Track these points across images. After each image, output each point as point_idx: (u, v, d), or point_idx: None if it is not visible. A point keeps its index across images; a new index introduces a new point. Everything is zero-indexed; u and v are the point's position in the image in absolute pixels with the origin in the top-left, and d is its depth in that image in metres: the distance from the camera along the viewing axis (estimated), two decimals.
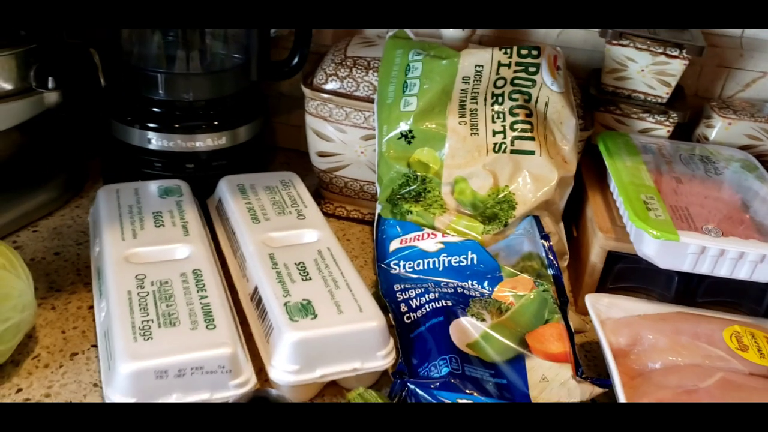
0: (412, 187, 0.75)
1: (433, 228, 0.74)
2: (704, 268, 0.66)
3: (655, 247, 0.66)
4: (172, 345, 0.54)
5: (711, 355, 0.62)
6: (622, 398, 0.57)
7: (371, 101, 0.79)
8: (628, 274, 0.75)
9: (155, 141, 0.78)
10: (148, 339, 0.54)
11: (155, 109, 0.79)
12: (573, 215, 0.83)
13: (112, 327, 0.55)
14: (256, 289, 0.63)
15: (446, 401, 0.58)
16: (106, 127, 0.81)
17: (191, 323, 0.56)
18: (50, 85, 0.74)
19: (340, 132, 0.82)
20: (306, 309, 0.59)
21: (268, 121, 0.93)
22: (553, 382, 0.61)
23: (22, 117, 0.74)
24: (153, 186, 0.73)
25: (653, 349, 0.63)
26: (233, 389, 0.55)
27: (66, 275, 0.72)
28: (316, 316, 0.59)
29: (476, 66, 0.74)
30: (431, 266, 0.71)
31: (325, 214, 0.88)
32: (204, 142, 0.79)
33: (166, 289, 0.59)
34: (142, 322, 0.55)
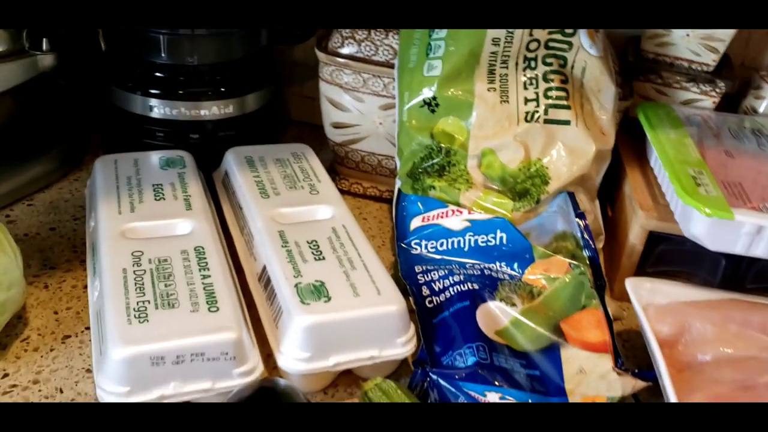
0: (435, 160, 0.69)
1: (458, 205, 0.68)
2: (759, 251, 0.59)
3: (704, 227, 0.59)
4: (170, 328, 0.48)
5: (766, 346, 0.56)
6: (670, 393, 0.51)
7: (391, 66, 0.73)
8: (670, 256, 0.69)
9: (158, 109, 0.72)
10: (143, 321, 0.48)
11: (158, 74, 0.73)
12: (607, 193, 0.77)
13: (105, 308, 0.50)
14: (264, 268, 0.57)
15: (472, 393, 0.52)
16: (107, 94, 0.75)
17: (192, 305, 0.50)
18: (45, 46, 0.69)
19: (357, 101, 0.76)
20: (319, 291, 0.53)
21: (279, 90, 0.87)
22: (591, 374, 0.55)
23: (14, 81, 0.68)
24: (154, 156, 0.68)
25: (702, 339, 0.57)
26: (237, 378, 0.49)
27: (61, 252, 0.66)
28: (329, 298, 0.53)
29: None
30: (456, 246, 0.65)
31: (340, 191, 0.82)
32: (210, 111, 0.73)
33: (165, 267, 0.54)
34: (138, 303, 0.50)
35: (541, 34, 0.67)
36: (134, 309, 0.49)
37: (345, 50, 0.74)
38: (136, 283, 0.51)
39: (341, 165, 0.82)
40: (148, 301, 0.50)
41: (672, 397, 0.50)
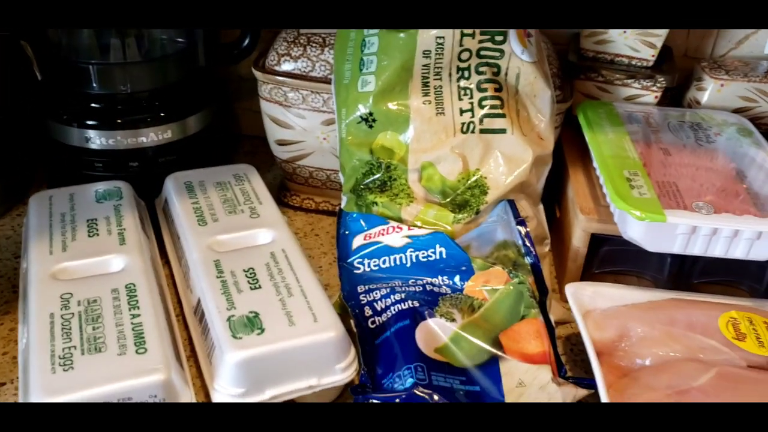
0: (376, 176, 0.69)
1: (400, 220, 0.68)
2: (696, 249, 0.59)
3: (640, 229, 0.59)
4: (95, 374, 0.48)
5: (705, 347, 0.56)
6: (605, 401, 0.51)
7: (329, 82, 0.72)
8: (615, 257, 0.69)
9: (94, 139, 0.72)
10: (68, 369, 0.48)
11: (93, 105, 0.72)
12: (555, 194, 0.77)
13: (30, 357, 0.49)
14: (199, 301, 0.57)
15: None
16: (44, 127, 0.74)
17: (119, 347, 0.50)
18: None
19: (298, 117, 0.75)
20: (252, 323, 0.53)
21: (224, 108, 0.86)
22: (530, 386, 0.55)
23: None
24: (90, 190, 0.67)
25: (642, 343, 0.57)
26: None
27: (0, 293, 0.66)
28: (263, 330, 0.53)
29: (437, 38, 0.66)
30: (398, 263, 0.65)
31: (292, 206, 0.82)
32: (148, 137, 0.72)
33: (95, 308, 0.53)
34: (64, 349, 0.49)
35: (471, 43, 0.66)
36: (59, 357, 0.49)
37: (282, 68, 0.74)
38: (63, 328, 0.51)
39: (291, 181, 0.82)
40: (75, 347, 0.49)
41: None
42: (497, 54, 0.67)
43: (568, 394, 0.54)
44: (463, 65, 0.67)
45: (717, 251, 0.59)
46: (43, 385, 0.46)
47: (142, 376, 0.48)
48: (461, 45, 0.67)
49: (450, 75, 0.67)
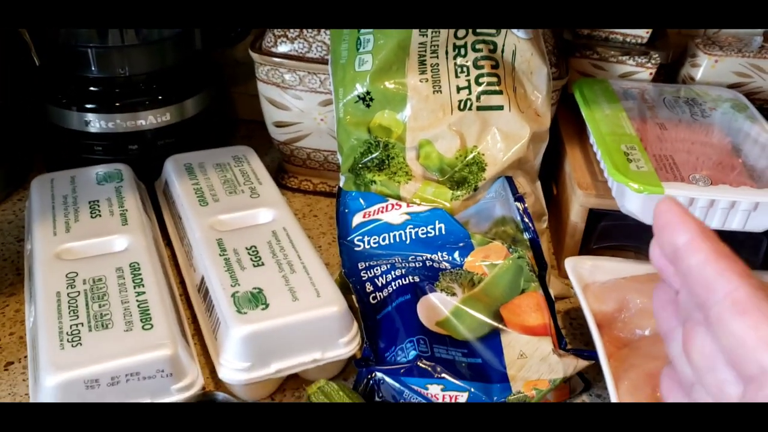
0: (374, 155, 0.69)
1: (399, 198, 0.68)
2: None
3: (638, 202, 0.60)
4: (104, 350, 0.48)
5: None
6: (606, 371, 0.52)
7: (326, 62, 0.72)
8: (613, 232, 0.69)
9: (94, 123, 0.72)
10: (76, 345, 0.48)
11: (91, 88, 0.72)
12: (552, 172, 0.77)
13: (38, 334, 0.50)
14: (202, 279, 0.58)
15: (415, 387, 0.53)
16: (43, 112, 0.75)
17: (126, 324, 0.50)
18: None
19: (295, 99, 0.75)
20: (256, 299, 0.54)
21: (221, 92, 0.86)
22: (532, 357, 0.55)
23: None
24: (91, 172, 0.67)
25: (642, 314, 0.58)
26: (176, 394, 0.49)
27: (4, 276, 0.66)
28: (267, 305, 0.53)
29: None
30: (398, 240, 0.65)
31: (290, 188, 0.83)
32: (147, 120, 0.73)
33: (100, 287, 0.54)
34: (71, 326, 0.50)
35: None
36: (67, 333, 0.49)
37: (279, 49, 0.74)
38: (69, 306, 0.51)
39: (289, 163, 0.82)
40: (82, 324, 0.50)
41: (607, 375, 0.51)
42: (494, 31, 0.67)
43: (569, 365, 0.55)
44: (459, 43, 0.67)
45: (714, 223, 0.60)
46: (52, 360, 0.47)
47: (149, 351, 0.48)
48: (459, 28, 0.67)
49: (446, 53, 0.67)
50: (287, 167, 0.83)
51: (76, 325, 0.50)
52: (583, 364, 0.56)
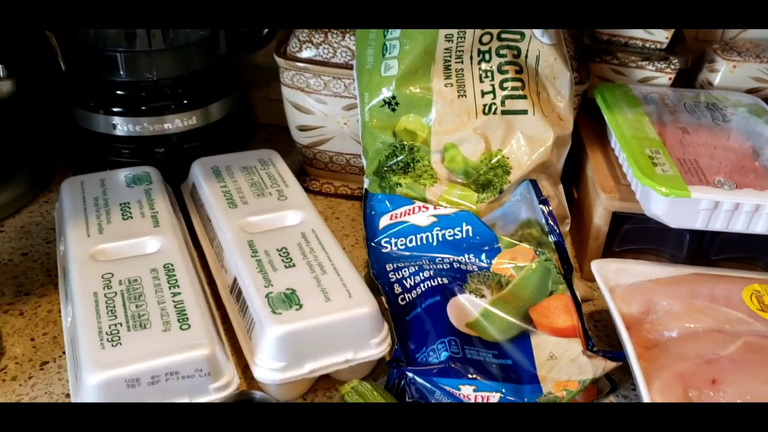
0: (399, 158, 0.70)
1: (425, 200, 0.69)
2: (718, 225, 0.61)
3: (664, 206, 0.61)
4: (143, 350, 0.49)
5: (731, 318, 0.58)
6: (637, 372, 0.52)
7: (350, 68, 0.73)
8: (635, 235, 0.70)
9: (121, 126, 0.73)
10: (116, 345, 0.49)
11: (118, 92, 0.73)
12: (573, 176, 0.78)
13: (78, 333, 0.50)
14: (235, 280, 0.58)
15: (447, 388, 0.53)
16: (69, 114, 0.75)
17: (163, 324, 0.51)
18: (1, 73, 0.69)
19: (319, 103, 0.76)
20: (290, 299, 0.54)
21: (244, 96, 0.87)
22: (562, 359, 0.56)
23: None
24: (120, 175, 0.68)
25: (668, 316, 0.59)
26: (214, 393, 0.50)
27: (35, 277, 0.67)
28: (301, 306, 0.54)
29: None
30: (425, 242, 0.66)
31: (312, 191, 0.83)
32: (173, 124, 0.74)
33: (136, 287, 0.54)
34: (110, 326, 0.50)
35: None
36: (107, 333, 0.50)
37: (303, 54, 0.75)
38: (107, 306, 0.52)
39: (311, 166, 0.83)
40: (120, 324, 0.51)
41: (638, 375, 0.52)
42: (518, 37, 0.68)
43: (599, 366, 0.56)
44: (484, 48, 0.68)
45: (738, 226, 0.61)
46: (94, 359, 0.48)
47: (188, 351, 0.49)
48: (483, 29, 0.68)
49: (471, 58, 0.68)
50: (309, 170, 0.84)
51: (115, 324, 0.51)
52: (611, 365, 0.57)
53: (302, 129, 0.79)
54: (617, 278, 0.63)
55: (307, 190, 0.83)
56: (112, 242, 0.59)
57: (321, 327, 0.53)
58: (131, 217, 0.62)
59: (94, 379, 0.47)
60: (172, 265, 0.57)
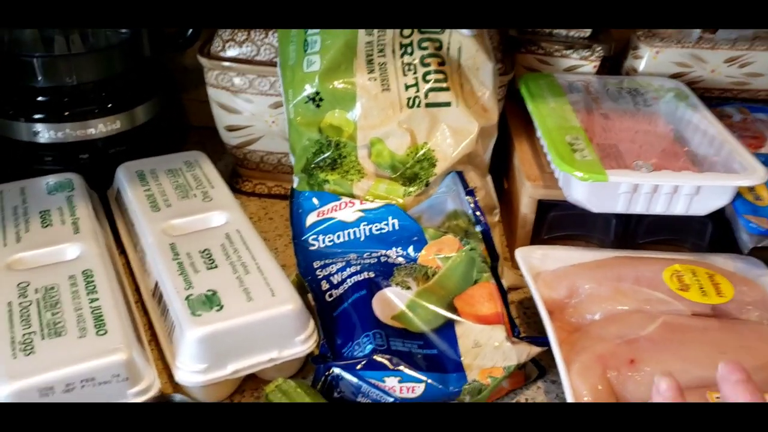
0: (326, 155, 0.70)
1: (353, 196, 0.69)
2: (638, 207, 0.62)
3: (584, 191, 0.61)
4: (57, 357, 0.48)
5: (651, 299, 0.59)
6: (557, 354, 0.53)
7: (275, 65, 0.73)
8: (562, 222, 0.71)
9: (43, 133, 0.71)
10: (29, 354, 0.48)
11: (39, 98, 0.72)
12: (503, 166, 0.79)
13: None
14: (156, 284, 0.58)
15: (373, 381, 0.53)
16: None
17: (79, 330, 0.50)
18: None
19: (246, 102, 0.76)
20: (210, 300, 0.54)
21: (172, 98, 0.86)
22: (486, 346, 0.56)
23: None
24: (42, 182, 0.67)
25: (591, 299, 0.60)
26: (133, 398, 0.49)
27: None
28: (221, 307, 0.53)
29: None
30: (352, 237, 0.66)
31: (245, 193, 0.83)
32: (97, 129, 0.72)
33: (52, 295, 0.53)
34: (24, 335, 0.50)
35: None
36: (20, 342, 0.49)
37: (227, 53, 0.74)
38: (21, 316, 0.51)
39: (242, 167, 0.82)
40: (35, 332, 0.50)
41: (558, 358, 0.52)
42: (438, 29, 0.68)
43: (523, 351, 0.56)
44: (405, 41, 0.68)
45: (658, 208, 0.62)
46: (5, 369, 0.47)
47: (103, 356, 0.48)
48: (402, 29, 0.68)
49: (393, 51, 0.68)
50: (241, 171, 0.83)
51: (29, 333, 0.50)
52: (536, 350, 0.57)
53: (230, 129, 0.78)
54: (542, 265, 0.63)
55: (240, 191, 0.83)
56: (29, 250, 0.58)
57: (242, 327, 0.53)
58: (51, 225, 0.61)
59: (5, 389, 0.46)
60: (91, 271, 0.56)
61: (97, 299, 0.53)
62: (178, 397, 0.51)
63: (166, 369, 0.56)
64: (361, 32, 0.68)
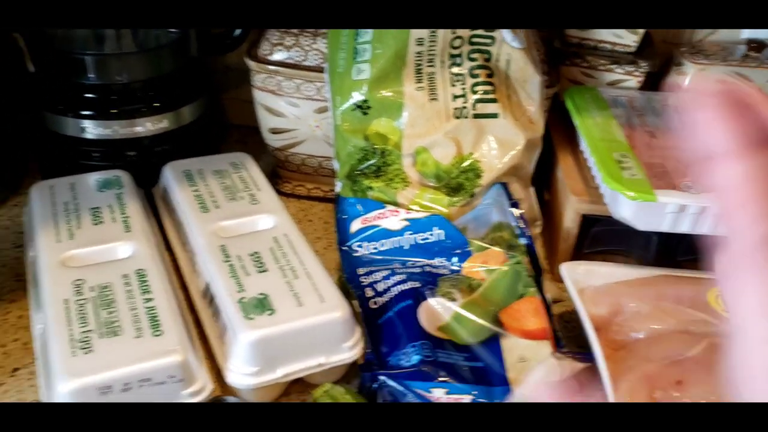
0: (371, 162, 0.70)
1: (396, 204, 0.69)
2: (684, 227, 0.62)
3: (631, 209, 0.62)
4: (115, 357, 0.49)
5: (696, 320, 0.59)
6: (604, 373, 0.53)
7: (322, 70, 0.73)
8: (604, 237, 0.71)
9: (91, 129, 0.72)
10: (88, 352, 0.49)
11: (88, 95, 0.72)
12: (544, 178, 0.79)
13: (49, 341, 0.50)
14: (207, 285, 0.58)
15: (419, 391, 0.54)
16: (38, 118, 0.75)
17: (135, 331, 0.51)
18: None
19: (291, 106, 0.76)
20: (262, 304, 0.54)
21: (215, 98, 0.87)
22: (532, 361, 0.57)
23: None
24: (90, 179, 0.68)
25: (636, 317, 0.60)
26: (187, 399, 0.50)
27: (5, 282, 0.66)
28: (273, 311, 0.54)
29: None
30: (397, 245, 0.67)
31: (284, 194, 0.83)
32: (144, 127, 0.73)
33: (107, 294, 0.54)
34: (81, 333, 0.50)
35: (464, 31, 0.68)
36: (78, 340, 0.50)
37: (275, 57, 0.75)
38: (78, 313, 0.52)
39: (283, 168, 0.83)
40: (92, 331, 0.50)
41: (605, 377, 0.53)
42: (489, 41, 0.69)
43: (567, 367, 0.57)
44: (455, 52, 0.69)
45: (704, 229, 0.62)
46: (65, 368, 0.48)
47: (160, 358, 0.49)
48: (453, 32, 0.68)
49: (442, 62, 0.69)
50: (281, 172, 0.84)
51: (87, 332, 0.50)
52: (580, 366, 0.57)
53: (274, 132, 0.79)
54: (586, 280, 0.64)
55: (279, 192, 0.83)
56: (83, 248, 0.59)
57: (293, 332, 0.53)
58: (102, 222, 0.62)
59: (66, 387, 0.47)
60: (144, 271, 0.57)
61: (151, 299, 0.54)
62: (231, 400, 0.52)
63: (213, 369, 0.57)
64: (412, 42, 0.68)
